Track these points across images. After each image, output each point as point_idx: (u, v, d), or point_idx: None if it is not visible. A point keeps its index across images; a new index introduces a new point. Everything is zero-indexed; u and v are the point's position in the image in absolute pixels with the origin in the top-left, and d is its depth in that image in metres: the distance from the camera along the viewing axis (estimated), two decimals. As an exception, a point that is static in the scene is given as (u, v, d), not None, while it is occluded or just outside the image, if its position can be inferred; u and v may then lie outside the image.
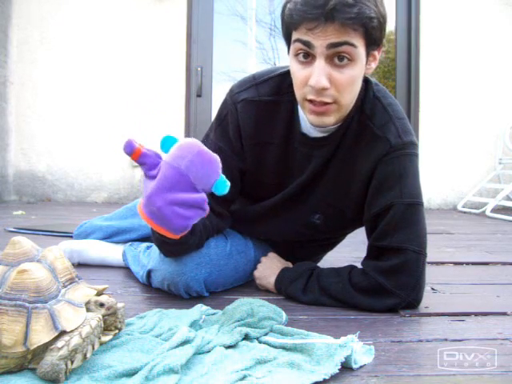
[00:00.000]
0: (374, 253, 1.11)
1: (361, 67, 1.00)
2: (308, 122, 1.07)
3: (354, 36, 0.94)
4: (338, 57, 0.96)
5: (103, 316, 0.81)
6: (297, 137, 1.13)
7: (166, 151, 0.86)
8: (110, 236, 1.50)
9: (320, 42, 0.94)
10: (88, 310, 0.81)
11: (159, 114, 3.85)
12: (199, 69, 3.87)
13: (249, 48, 4.13)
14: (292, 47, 1.00)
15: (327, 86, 0.97)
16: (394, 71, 4.05)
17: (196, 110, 3.90)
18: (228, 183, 0.86)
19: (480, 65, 3.95)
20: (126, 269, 1.43)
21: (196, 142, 0.86)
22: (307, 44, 0.96)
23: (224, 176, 0.86)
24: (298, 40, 0.97)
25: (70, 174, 3.87)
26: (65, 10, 3.84)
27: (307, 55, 0.98)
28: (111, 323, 0.83)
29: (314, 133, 1.11)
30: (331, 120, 1.03)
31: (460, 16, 3.95)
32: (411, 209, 1.07)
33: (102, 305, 0.82)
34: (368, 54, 1.01)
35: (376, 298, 1.06)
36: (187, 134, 3.86)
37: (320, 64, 0.96)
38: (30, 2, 3.82)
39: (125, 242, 1.49)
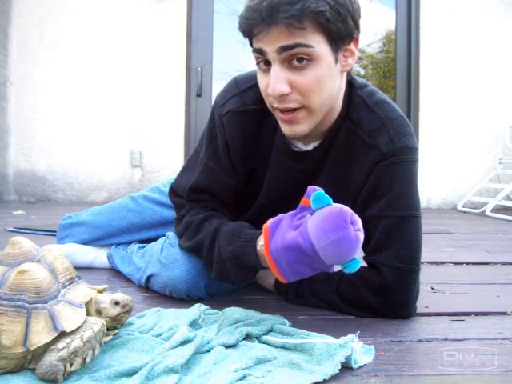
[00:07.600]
0: (368, 264, 1.06)
1: (327, 66, 0.90)
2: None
3: (305, 35, 0.85)
4: (296, 59, 0.87)
5: (118, 314, 0.82)
6: (279, 147, 1.06)
7: (316, 207, 0.83)
8: (96, 240, 1.44)
9: (270, 47, 0.87)
10: (103, 309, 0.81)
11: (159, 114, 3.85)
12: (199, 68, 3.87)
13: (249, 48, 4.10)
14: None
15: (285, 92, 0.89)
16: (394, 71, 4.05)
17: (196, 110, 3.90)
18: (360, 263, 0.83)
19: (480, 64, 3.95)
20: (125, 269, 1.43)
21: (345, 220, 0.80)
22: (260, 51, 0.89)
23: (358, 257, 0.82)
24: (253, 50, 0.92)
25: (70, 173, 3.87)
26: (65, 10, 3.83)
27: (267, 62, 0.90)
28: (124, 321, 0.85)
29: (298, 144, 1.04)
30: (304, 128, 0.95)
31: (460, 16, 3.95)
32: (402, 222, 1.00)
33: (117, 303, 0.82)
34: (338, 50, 0.90)
35: (363, 312, 1.02)
36: (187, 134, 3.86)
37: (275, 70, 0.88)
38: (30, 2, 3.82)
39: (109, 245, 1.45)
